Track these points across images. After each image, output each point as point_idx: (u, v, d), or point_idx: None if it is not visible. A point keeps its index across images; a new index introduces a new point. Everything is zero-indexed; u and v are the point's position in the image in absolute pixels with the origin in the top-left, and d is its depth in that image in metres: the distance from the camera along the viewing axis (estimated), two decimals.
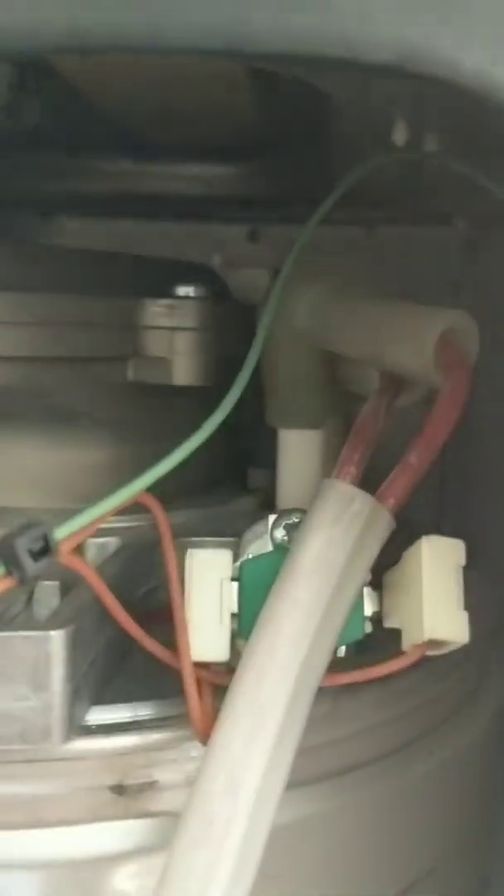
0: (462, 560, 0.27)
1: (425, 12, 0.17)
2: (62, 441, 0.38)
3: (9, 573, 0.22)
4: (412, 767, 0.33)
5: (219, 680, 0.26)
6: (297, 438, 0.41)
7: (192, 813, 0.23)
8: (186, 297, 0.36)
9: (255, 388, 0.41)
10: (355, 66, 0.20)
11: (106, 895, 0.27)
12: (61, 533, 0.23)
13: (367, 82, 0.31)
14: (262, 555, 0.29)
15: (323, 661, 0.26)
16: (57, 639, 0.25)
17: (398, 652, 0.27)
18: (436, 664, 0.34)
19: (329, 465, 0.42)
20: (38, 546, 0.22)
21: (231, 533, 0.34)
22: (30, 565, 0.21)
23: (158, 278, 0.38)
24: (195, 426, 0.42)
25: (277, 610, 0.25)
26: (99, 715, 0.28)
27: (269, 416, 0.42)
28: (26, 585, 0.24)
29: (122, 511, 0.28)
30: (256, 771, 0.24)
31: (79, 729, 0.27)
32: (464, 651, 0.36)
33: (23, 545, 0.21)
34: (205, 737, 0.26)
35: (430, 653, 0.27)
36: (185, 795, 0.28)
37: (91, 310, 0.36)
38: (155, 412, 0.39)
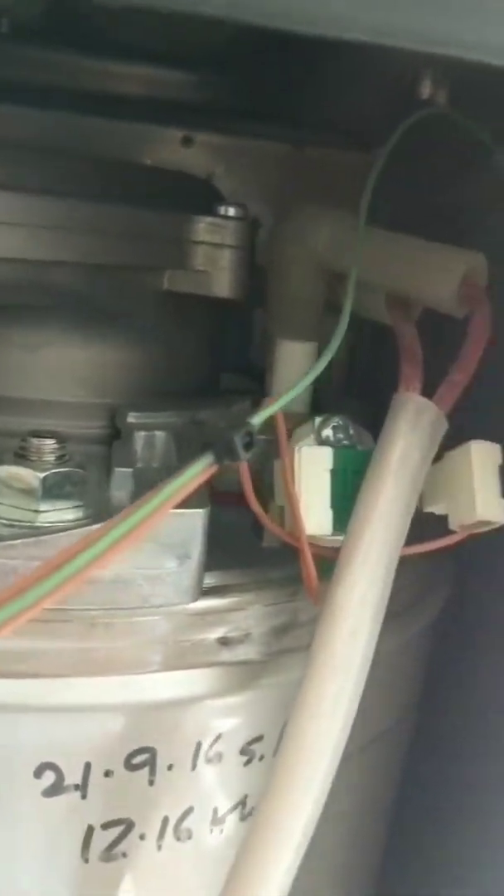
0: (500, 460, 0.34)
1: None
2: (102, 341, 0.41)
3: (220, 462, 0.26)
4: (386, 639, 0.41)
5: (323, 553, 0.32)
6: (294, 348, 0.46)
7: (322, 652, 0.29)
8: (229, 217, 0.40)
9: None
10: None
11: (207, 727, 0.33)
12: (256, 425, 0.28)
13: None
14: (343, 450, 0.34)
15: (403, 538, 0.32)
16: (201, 515, 0.30)
17: (447, 531, 0.34)
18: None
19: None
20: (247, 440, 0.26)
21: None
22: (243, 456, 0.26)
23: (190, 194, 0.42)
24: (215, 337, 0.47)
25: (376, 501, 0.31)
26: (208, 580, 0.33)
27: (270, 326, 0.47)
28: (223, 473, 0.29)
29: None
30: (368, 621, 0.30)
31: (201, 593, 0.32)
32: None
33: (240, 440, 0.26)
34: (315, 596, 0.32)
35: (474, 531, 0.34)
36: (270, 645, 0.34)
37: (138, 221, 0.39)
38: (185, 321, 0.43)
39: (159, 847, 0.34)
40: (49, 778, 0.31)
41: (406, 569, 0.40)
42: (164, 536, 0.29)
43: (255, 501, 0.31)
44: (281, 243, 0.44)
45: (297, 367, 0.47)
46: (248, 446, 0.26)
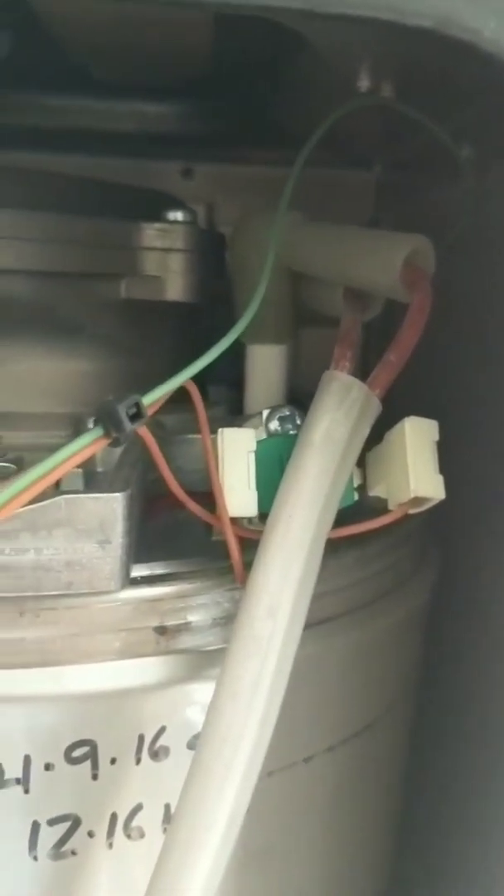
0: (436, 436, 0.34)
1: None
2: (66, 352, 0.42)
3: (108, 434, 0.26)
4: (377, 620, 0.40)
5: (246, 534, 0.32)
6: (264, 352, 0.47)
7: (240, 632, 0.29)
8: (177, 222, 0.41)
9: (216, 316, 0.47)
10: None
11: (148, 720, 0.33)
12: (148, 401, 0.28)
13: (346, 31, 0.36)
14: (267, 439, 0.35)
15: (331, 516, 0.32)
16: (121, 499, 0.30)
17: (385, 511, 0.34)
18: (396, 536, 0.41)
19: (290, 378, 0.48)
20: (133, 411, 0.26)
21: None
22: (128, 426, 0.26)
23: (140, 204, 0.43)
24: (179, 343, 0.47)
25: (297, 476, 0.31)
26: (137, 570, 0.33)
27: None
28: (119, 445, 0.29)
29: None
30: (289, 598, 0.29)
31: (128, 581, 0.32)
32: (409, 530, 0.43)
33: (123, 409, 0.26)
34: (240, 578, 0.31)
35: (411, 511, 0.34)
36: (212, 635, 0.34)
37: (89, 230, 0.40)
38: (146, 329, 0.43)
39: (110, 845, 0.33)
40: None
41: (382, 554, 0.40)
42: (81, 521, 0.29)
43: (174, 482, 0.31)
44: (240, 248, 0.45)
45: (268, 371, 0.47)
46: (134, 418, 0.26)
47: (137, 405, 0.27)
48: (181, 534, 0.37)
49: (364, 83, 0.41)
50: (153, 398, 0.28)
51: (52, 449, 0.39)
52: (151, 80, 0.62)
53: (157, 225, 0.41)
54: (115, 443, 0.27)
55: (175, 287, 0.41)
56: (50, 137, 0.65)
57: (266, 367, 0.47)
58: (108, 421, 0.26)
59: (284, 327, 0.47)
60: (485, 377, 0.48)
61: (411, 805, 0.49)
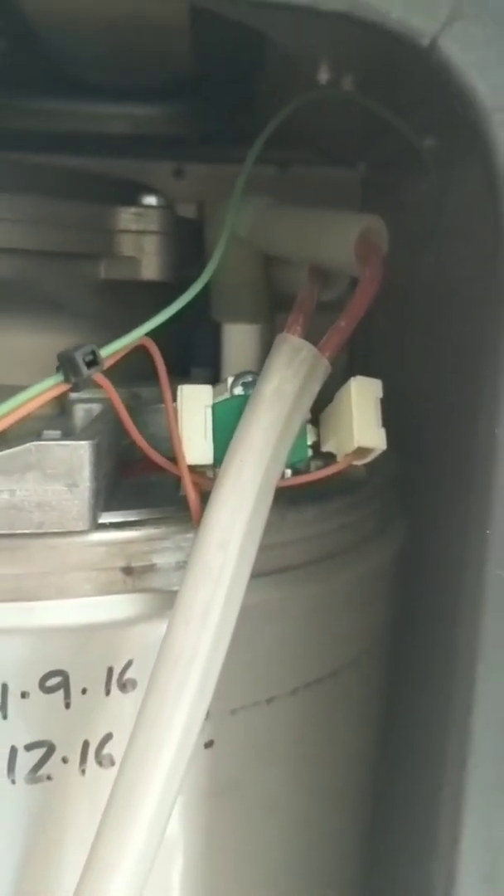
0: (380, 394, 0.37)
1: None
2: (49, 328, 0.45)
3: (67, 379, 0.30)
4: (339, 574, 0.43)
5: (203, 483, 0.35)
6: (239, 331, 0.50)
7: (194, 564, 0.32)
8: (151, 206, 0.44)
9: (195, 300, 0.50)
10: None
11: (116, 653, 0.36)
12: (105, 353, 0.31)
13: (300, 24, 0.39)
14: (228, 399, 0.38)
15: (281, 465, 0.35)
16: (87, 447, 0.33)
17: (333, 462, 0.37)
18: (358, 496, 0.44)
19: (264, 356, 0.51)
20: (89, 358, 0.30)
21: None
22: (84, 371, 0.29)
23: (118, 191, 0.46)
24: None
25: (248, 426, 0.34)
26: (108, 518, 0.36)
27: (214, 313, 0.50)
28: (78, 391, 0.32)
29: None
30: (239, 533, 0.32)
31: (97, 525, 0.35)
32: (374, 490, 0.46)
33: (80, 356, 0.29)
34: (197, 518, 0.34)
35: (356, 462, 0.36)
36: (175, 577, 0.37)
37: (71, 213, 0.43)
38: (124, 307, 0.47)
39: (83, 772, 0.36)
40: None
41: (342, 512, 0.43)
42: (50, 466, 0.33)
43: (135, 431, 0.34)
44: (212, 231, 0.48)
45: (243, 348, 0.50)
46: (90, 364, 0.30)
47: (94, 353, 0.30)
48: (151, 492, 0.40)
49: (324, 76, 0.44)
50: (110, 350, 0.31)
51: (39, 420, 0.43)
52: (138, 81, 0.65)
53: (133, 209, 0.44)
54: (74, 388, 0.30)
55: (150, 267, 0.44)
56: (43, 140, 0.68)
57: (240, 344, 0.50)
58: (67, 366, 0.30)
59: (258, 308, 0.50)
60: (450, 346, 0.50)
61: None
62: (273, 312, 0.51)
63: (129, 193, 0.45)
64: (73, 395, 0.42)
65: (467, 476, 0.48)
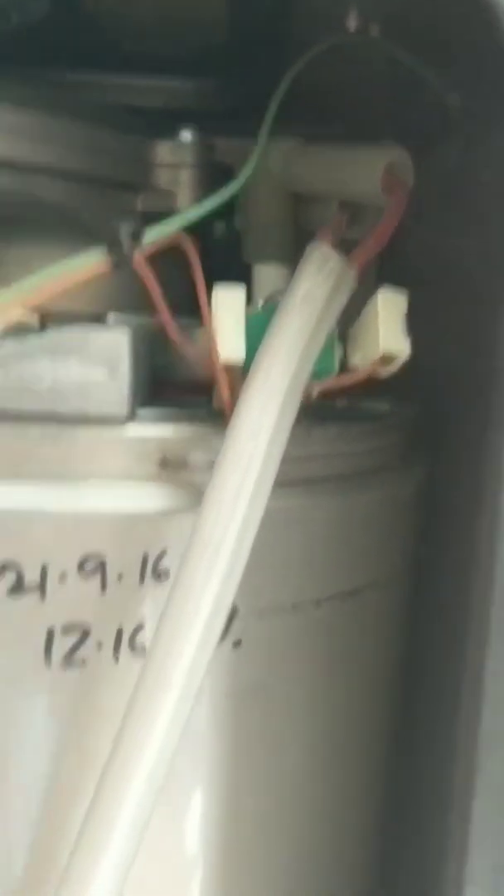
0: (405, 307, 0.39)
1: None
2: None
3: (110, 252, 0.32)
4: (359, 494, 0.44)
5: (235, 382, 0.37)
6: (269, 271, 0.52)
7: (225, 451, 0.34)
8: (186, 140, 0.47)
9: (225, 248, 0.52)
10: None
11: (151, 542, 0.38)
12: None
13: None
14: (258, 312, 0.40)
15: (309, 365, 0.37)
16: (126, 332, 0.35)
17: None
18: (381, 424, 0.46)
19: None
20: (133, 230, 0.32)
21: None
22: (127, 245, 0.31)
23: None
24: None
25: (280, 326, 0.36)
26: (148, 415, 0.38)
27: (245, 254, 0.52)
28: (121, 267, 0.34)
29: None
30: (269, 426, 0.34)
31: (135, 415, 0.37)
32: (397, 421, 0.48)
33: (125, 229, 0.31)
34: (229, 409, 0.36)
35: (382, 369, 0.38)
36: (209, 476, 0.38)
37: (111, 140, 0.46)
38: None
39: (116, 659, 0.38)
40: (10, 578, 0.36)
41: (366, 434, 0.45)
42: (92, 352, 0.35)
43: (168, 317, 0.36)
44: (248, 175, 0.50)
45: (272, 288, 0.52)
46: (134, 236, 0.32)
47: (138, 225, 0.32)
48: (187, 404, 0.42)
49: (353, 23, 0.46)
50: (154, 234, 0.33)
51: None
52: (172, 52, 0.67)
53: (170, 142, 0.46)
54: (117, 264, 0.32)
55: (185, 201, 0.47)
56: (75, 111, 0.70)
57: (271, 284, 0.52)
58: (110, 242, 0.32)
59: (287, 248, 0.52)
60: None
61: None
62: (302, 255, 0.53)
63: (166, 127, 0.47)
64: (111, 319, 0.44)
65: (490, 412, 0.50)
